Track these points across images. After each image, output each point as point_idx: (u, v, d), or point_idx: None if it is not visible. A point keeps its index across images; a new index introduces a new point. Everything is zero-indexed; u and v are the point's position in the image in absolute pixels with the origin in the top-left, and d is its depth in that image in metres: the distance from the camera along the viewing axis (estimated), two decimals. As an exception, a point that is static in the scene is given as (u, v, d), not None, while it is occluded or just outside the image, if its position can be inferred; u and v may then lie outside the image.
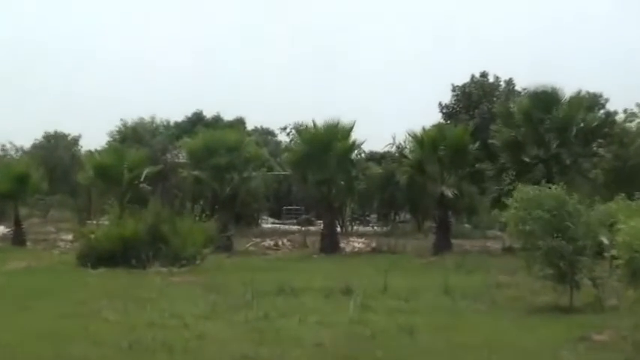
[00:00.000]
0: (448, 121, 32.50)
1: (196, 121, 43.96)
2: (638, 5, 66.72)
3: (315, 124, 25.73)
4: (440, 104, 36.68)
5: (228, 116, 45.56)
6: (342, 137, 25.09)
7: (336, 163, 25.11)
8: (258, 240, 28.37)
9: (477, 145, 24.82)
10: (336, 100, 69.24)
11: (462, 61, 63.64)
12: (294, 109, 68.51)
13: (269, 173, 31.76)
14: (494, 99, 33.15)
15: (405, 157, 26.43)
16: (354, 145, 25.87)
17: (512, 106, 25.74)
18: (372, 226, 38.78)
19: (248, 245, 26.86)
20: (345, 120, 25.56)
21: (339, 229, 30.79)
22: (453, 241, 24.90)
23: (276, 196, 39.56)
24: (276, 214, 42.84)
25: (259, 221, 38.40)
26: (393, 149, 32.21)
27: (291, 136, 41.56)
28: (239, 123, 43.28)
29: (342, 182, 25.66)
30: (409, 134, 25.95)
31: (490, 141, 25.32)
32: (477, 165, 25.38)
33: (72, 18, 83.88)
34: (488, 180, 25.50)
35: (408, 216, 39.49)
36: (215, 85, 77.98)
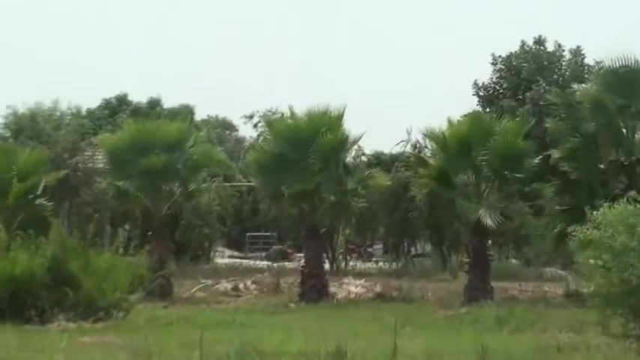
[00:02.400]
0: (487, 109, 32.75)
1: (118, 108, 44.10)
2: None
3: (292, 113, 25.76)
4: (475, 84, 36.44)
5: (168, 102, 46.04)
6: (333, 131, 25.05)
7: (324, 170, 25.06)
8: (209, 282, 28.22)
9: (538, 159, 24.86)
10: (329, 84, 69.41)
11: (507, 22, 63.92)
12: (265, 94, 68.60)
13: (226, 184, 31.76)
14: (555, 76, 33.38)
15: (424, 161, 26.25)
16: (347, 142, 25.86)
17: (577, 89, 25.80)
18: (377, 262, 38.73)
19: (195, 289, 26.71)
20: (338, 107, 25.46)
21: (327, 265, 30.70)
22: (495, 283, 24.88)
23: (236, 218, 39.07)
24: (236, 244, 42.99)
25: (212, 254, 37.99)
26: (408, 149, 32.74)
27: (258, 130, 41.95)
28: (184, 111, 42.70)
29: (333, 197, 25.48)
30: (425, 133, 26.21)
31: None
32: (534, 183, 25.52)
33: None
34: (548, 198, 25.63)
35: (428, 247, 39.38)
36: (149, 61, 77.67)
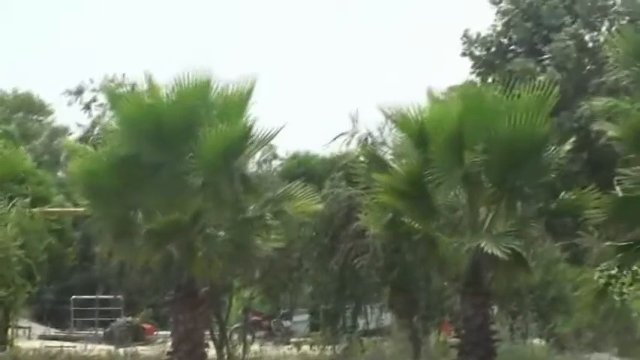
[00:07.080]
0: (489, 78, 27.70)
1: None
2: None
3: (152, 85, 19.69)
4: (466, 36, 32.15)
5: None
6: (230, 117, 19.18)
7: (209, 185, 19.44)
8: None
9: (569, 143, 18.74)
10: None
11: None
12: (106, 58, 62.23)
13: (36, 210, 28.31)
14: (599, 18, 28.62)
15: (384, 164, 20.44)
16: (251, 138, 19.83)
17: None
18: (299, 344, 33.43)
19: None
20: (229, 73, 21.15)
21: (213, 351, 26.24)
22: (505, 378, 20.63)
23: (54, 269, 35.60)
24: (54, 315, 40.80)
25: (11, 332, 33.74)
26: (354, 147, 27.61)
27: (93, 115, 39.11)
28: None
29: (224, 233, 19.93)
30: (386, 114, 20.05)
31: (596, 128, 21.23)
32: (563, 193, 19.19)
33: None
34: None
35: (388, 319, 34.02)
36: None
